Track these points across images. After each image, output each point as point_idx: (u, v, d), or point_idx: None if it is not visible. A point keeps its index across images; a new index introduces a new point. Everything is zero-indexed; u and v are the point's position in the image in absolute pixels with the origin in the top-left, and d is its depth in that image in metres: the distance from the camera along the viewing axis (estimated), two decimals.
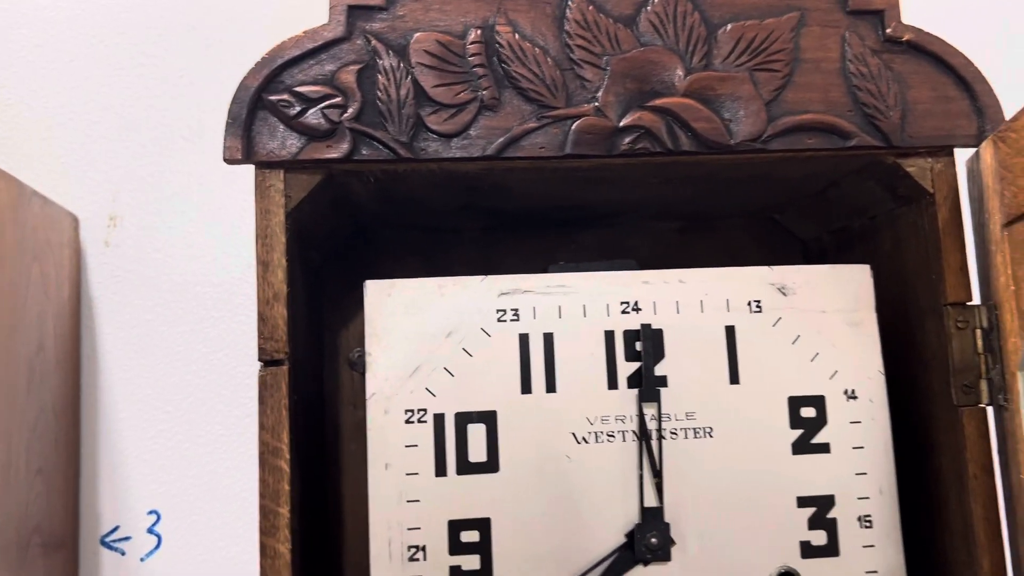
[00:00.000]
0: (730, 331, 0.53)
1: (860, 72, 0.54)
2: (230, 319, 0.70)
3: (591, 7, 0.52)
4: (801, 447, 0.52)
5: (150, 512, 0.67)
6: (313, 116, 0.50)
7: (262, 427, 0.49)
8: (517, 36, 0.52)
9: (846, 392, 0.54)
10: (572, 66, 0.52)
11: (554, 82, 0.52)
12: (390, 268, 0.70)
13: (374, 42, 0.51)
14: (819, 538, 0.52)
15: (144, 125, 0.74)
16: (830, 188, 0.62)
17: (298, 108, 0.50)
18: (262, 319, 0.49)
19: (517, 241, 0.71)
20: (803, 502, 0.52)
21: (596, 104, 0.52)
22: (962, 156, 0.55)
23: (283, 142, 0.50)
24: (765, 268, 0.54)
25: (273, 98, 0.50)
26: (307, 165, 0.50)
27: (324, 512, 0.65)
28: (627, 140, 0.52)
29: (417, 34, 0.51)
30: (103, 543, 0.67)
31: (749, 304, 0.54)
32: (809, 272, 0.55)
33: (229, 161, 0.49)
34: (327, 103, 0.50)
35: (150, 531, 0.67)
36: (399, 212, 0.64)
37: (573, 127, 0.51)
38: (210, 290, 0.70)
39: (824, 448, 0.53)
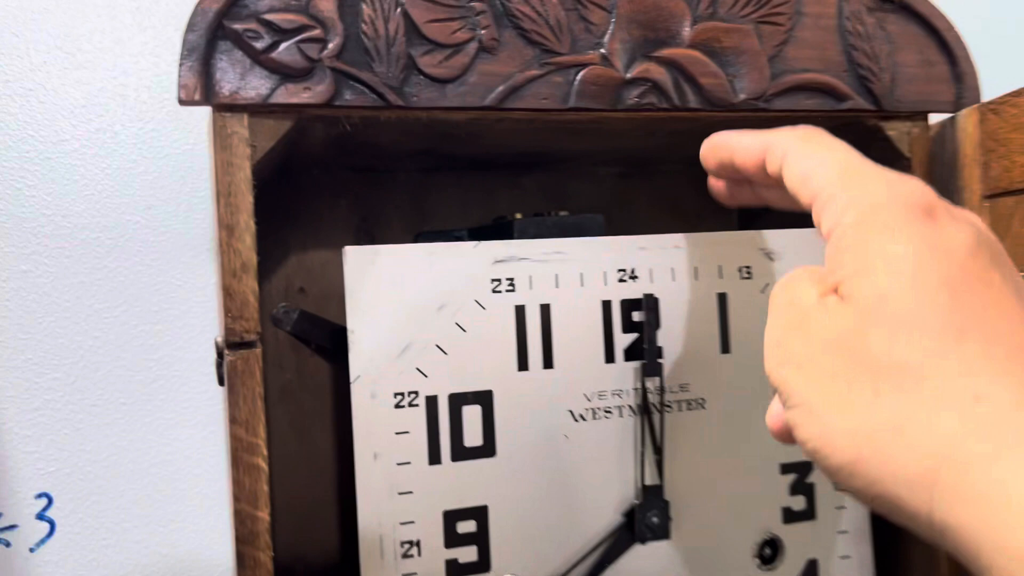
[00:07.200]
0: (722, 298, 0.51)
1: (856, 31, 0.52)
2: (127, 269, 0.60)
3: None
4: None
5: (39, 495, 0.57)
6: (287, 51, 0.41)
7: (234, 421, 0.42)
8: None
9: None
10: (577, 6, 0.46)
11: (558, 23, 0.46)
12: (316, 210, 0.62)
13: None
14: (799, 503, 0.52)
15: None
16: None
17: (268, 40, 0.41)
18: (229, 294, 0.41)
19: (455, 183, 0.65)
20: (785, 469, 0.52)
21: (602, 51, 0.47)
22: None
23: (250, 81, 0.41)
24: (753, 232, 0.53)
25: (237, 26, 0.41)
26: (276, 109, 0.42)
27: None
28: (634, 94, 0.47)
29: None
30: None
31: (739, 270, 0.52)
32: (793, 236, 0.54)
33: (185, 102, 0.40)
34: (303, 35, 0.42)
35: (40, 517, 0.57)
36: (340, 153, 0.56)
37: (578, 77, 0.46)
38: (102, 235, 0.59)
39: None
